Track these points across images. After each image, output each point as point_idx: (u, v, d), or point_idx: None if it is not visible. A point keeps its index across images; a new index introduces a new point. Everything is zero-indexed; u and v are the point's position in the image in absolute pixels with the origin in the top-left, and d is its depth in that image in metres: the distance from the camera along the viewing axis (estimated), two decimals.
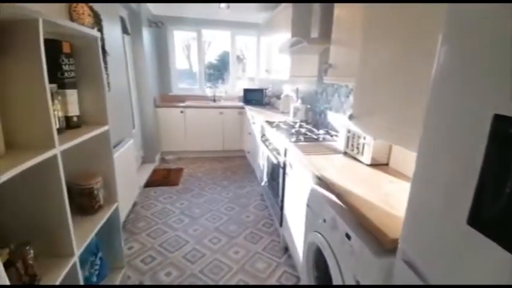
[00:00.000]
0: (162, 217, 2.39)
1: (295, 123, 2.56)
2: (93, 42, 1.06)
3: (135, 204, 2.56)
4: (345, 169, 1.40)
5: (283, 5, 2.68)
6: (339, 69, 1.63)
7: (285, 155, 1.90)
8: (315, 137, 2.00)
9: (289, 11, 2.51)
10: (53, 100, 0.84)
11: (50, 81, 0.81)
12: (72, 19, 1.52)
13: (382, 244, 0.84)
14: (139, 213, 2.45)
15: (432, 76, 0.61)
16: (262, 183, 2.58)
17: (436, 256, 0.60)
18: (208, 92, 4.37)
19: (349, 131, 1.63)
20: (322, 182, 1.28)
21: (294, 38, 2.16)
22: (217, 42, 4.51)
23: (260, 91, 4.19)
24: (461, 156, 0.54)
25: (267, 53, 3.64)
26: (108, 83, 1.80)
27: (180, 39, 4.36)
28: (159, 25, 3.77)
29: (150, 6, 3.47)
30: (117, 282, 1.27)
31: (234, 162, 3.92)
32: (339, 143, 1.86)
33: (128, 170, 2.31)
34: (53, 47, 0.91)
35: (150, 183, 3.05)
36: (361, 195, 1.08)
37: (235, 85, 4.57)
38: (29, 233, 0.83)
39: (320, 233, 1.21)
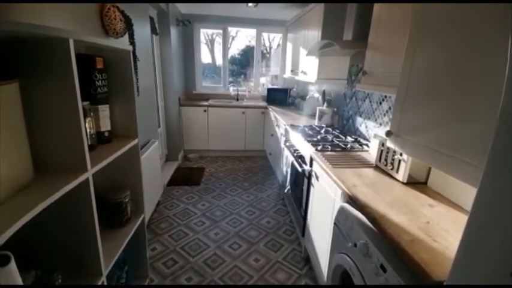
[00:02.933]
0: (183, 218, 2.42)
1: (321, 128, 2.46)
2: (125, 55, 1.05)
3: (158, 204, 2.62)
4: (377, 187, 1.30)
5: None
6: (375, 76, 1.51)
7: (311, 164, 1.82)
8: (343, 145, 1.90)
9: (320, 9, 2.36)
10: (86, 117, 0.83)
11: (83, 99, 0.80)
12: (103, 24, 1.54)
13: (424, 283, 0.77)
14: (163, 213, 2.49)
15: (503, 90, 0.47)
16: (285, 190, 2.52)
17: None
18: (232, 91, 4.35)
19: (382, 145, 1.52)
20: (353, 201, 1.20)
21: (324, 41, 2.04)
22: (241, 37, 4.44)
23: (284, 91, 4.09)
24: None
25: (293, 51, 3.53)
26: (138, 87, 1.81)
27: (204, 33, 4.35)
28: (186, 24, 3.79)
29: (180, 5, 3.48)
30: None
31: (255, 162, 3.88)
32: (370, 153, 1.75)
33: (153, 171, 2.35)
34: (87, 63, 0.91)
35: (173, 182, 3.10)
36: (398, 222, 0.99)
37: (258, 83, 4.50)
38: (57, 256, 0.81)
39: (349, 257, 1.14)
